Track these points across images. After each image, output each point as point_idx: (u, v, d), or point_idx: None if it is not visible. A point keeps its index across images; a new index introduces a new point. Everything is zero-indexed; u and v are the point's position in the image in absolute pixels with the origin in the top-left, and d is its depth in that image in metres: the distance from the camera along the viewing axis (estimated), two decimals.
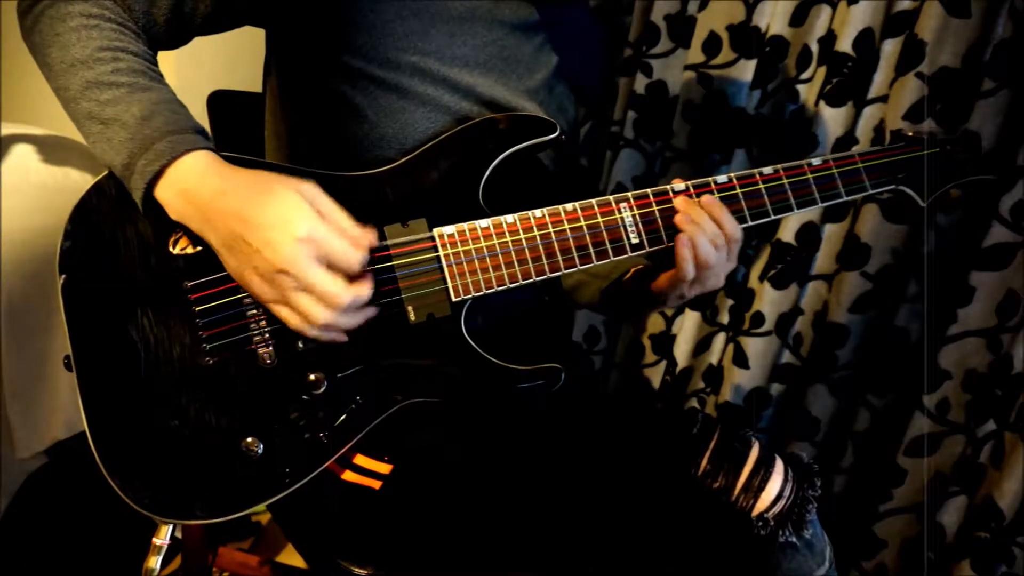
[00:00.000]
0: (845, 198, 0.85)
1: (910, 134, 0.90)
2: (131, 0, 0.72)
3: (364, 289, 0.68)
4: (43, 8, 0.69)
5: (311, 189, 0.66)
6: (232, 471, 0.70)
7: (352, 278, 0.67)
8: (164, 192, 0.67)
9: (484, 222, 0.75)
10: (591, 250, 0.77)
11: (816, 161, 0.84)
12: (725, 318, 1.50)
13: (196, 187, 0.66)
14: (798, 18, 1.33)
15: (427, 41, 0.77)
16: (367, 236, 0.68)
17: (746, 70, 1.38)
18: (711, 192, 0.80)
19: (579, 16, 0.96)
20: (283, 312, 0.67)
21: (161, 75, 0.73)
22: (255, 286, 0.67)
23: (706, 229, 0.78)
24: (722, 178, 0.81)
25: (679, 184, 0.80)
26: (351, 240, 0.66)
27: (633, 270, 0.92)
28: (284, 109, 0.84)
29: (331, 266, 0.65)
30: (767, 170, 0.82)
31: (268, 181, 0.66)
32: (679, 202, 0.79)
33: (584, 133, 1.64)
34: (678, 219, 0.78)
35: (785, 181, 0.82)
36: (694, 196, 0.80)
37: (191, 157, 0.66)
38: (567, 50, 0.90)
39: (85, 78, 0.67)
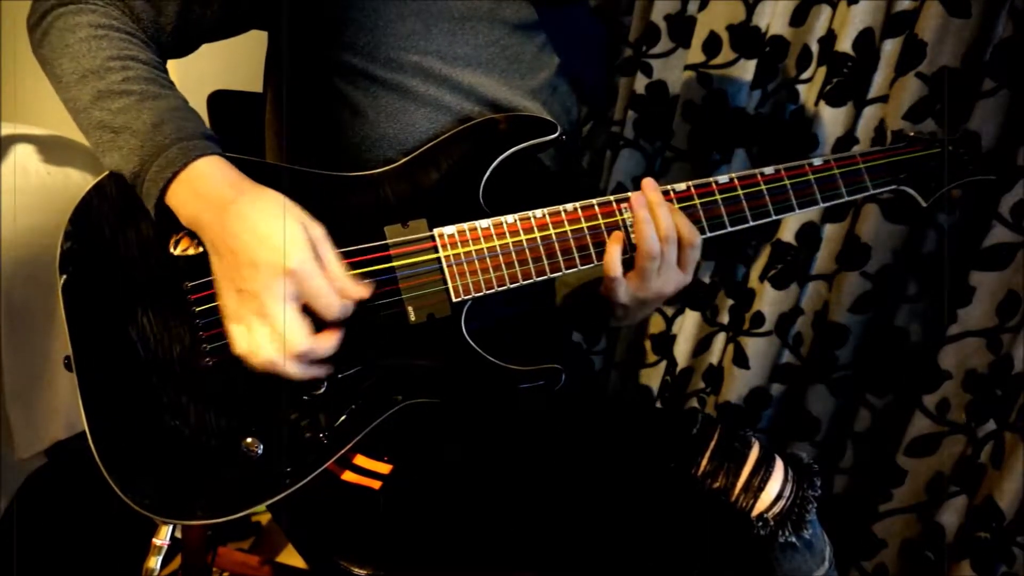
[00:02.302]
0: (847, 198, 0.84)
1: (911, 134, 0.90)
2: (139, 10, 0.72)
3: (324, 344, 0.66)
4: (52, 20, 0.70)
5: (318, 232, 0.66)
6: (232, 471, 0.70)
7: (323, 329, 0.66)
8: (175, 198, 0.67)
9: (484, 222, 0.75)
10: (591, 251, 0.77)
11: (817, 161, 0.84)
12: (725, 318, 1.50)
13: (207, 191, 0.66)
14: (798, 18, 1.33)
15: (429, 41, 0.77)
16: (358, 290, 0.67)
17: (746, 70, 1.38)
18: (711, 193, 0.80)
19: (580, 16, 0.96)
20: (235, 331, 0.66)
21: (172, 82, 0.73)
22: (224, 297, 0.67)
23: (659, 215, 0.75)
24: (723, 179, 0.81)
25: (680, 185, 0.80)
26: (338, 290, 0.65)
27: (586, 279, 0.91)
28: (285, 109, 0.84)
29: (308, 307, 0.65)
30: (768, 170, 0.82)
31: (278, 206, 0.65)
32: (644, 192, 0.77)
33: (585, 133, 1.64)
34: (633, 199, 0.76)
35: (787, 182, 0.82)
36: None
37: (203, 162, 0.67)
38: (569, 50, 0.90)
39: (96, 88, 0.67)
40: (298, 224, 0.65)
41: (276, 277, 0.62)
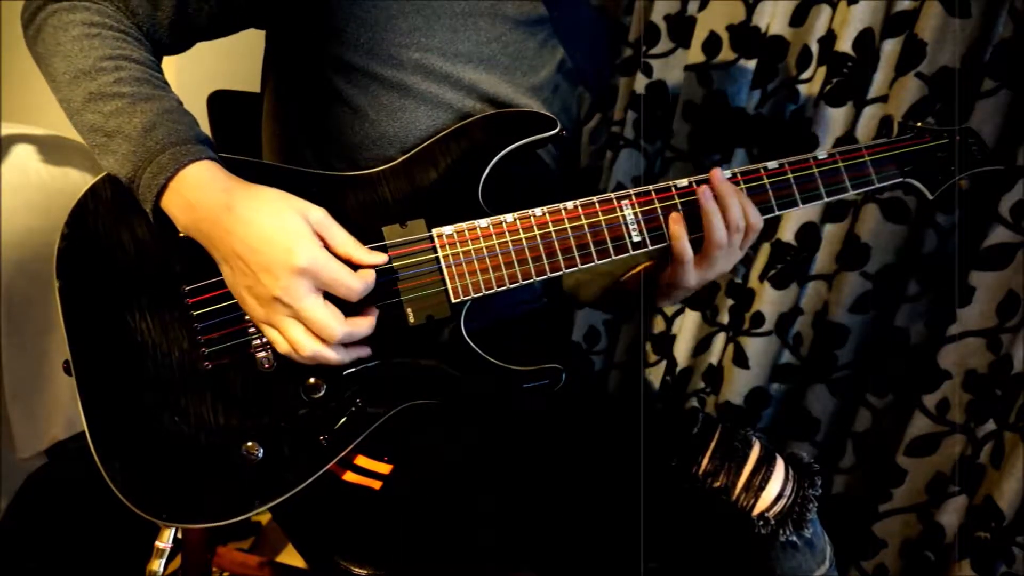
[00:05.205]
0: (851, 192, 0.84)
1: (919, 124, 0.89)
2: (134, 5, 0.71)
3: (362, 325, 0.67)
4: (45, 18, 0.69)
5: (319, 214, 0.66)
6: (233, 475, 0.70)
7: (354, 311, 0.67)
8: (171, 206, 0.66)
9: (483, 222, 0.75)
10: (592, 249, 0.77)
11: (822, 155, 0.83)
12: (725, 318, 1.50)
13: (200, 200, 0.65)
14: (798, 18, 1.33)
15: (430, 37, 0.76)
16: (374, 257, 0.68)
17: (746, 70, 1.38)
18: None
19: (584, 12, 0.95)
20: (271, 335, 0.67)
21: (166, 82, 0.72)
22: (248, 305, 0.67)
23: (729, 206, 0.77)
24: (726, 174, 0.80)
25: (683, 181, 0.80)
26: (351, 275, 0.65)
27: (637, 270, 0.91)
28: (283, 109, 0.83)
29: (330, 296, 0.65)
30: (772, 165, 0.81)
31: (275, 201, 0.65)
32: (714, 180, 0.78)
33: (588, 131, 1.64)
34: (700, 192, 0.78)
35: (790, 176, 0.82)
36: (741, 185, 0.80)
37: (195, 168, 0.66)
38: (572, 45, 0.89)
39: (88, 89, 0.66)
40: (297, 216, 0.64)
41: (292, 278, 0.62)
